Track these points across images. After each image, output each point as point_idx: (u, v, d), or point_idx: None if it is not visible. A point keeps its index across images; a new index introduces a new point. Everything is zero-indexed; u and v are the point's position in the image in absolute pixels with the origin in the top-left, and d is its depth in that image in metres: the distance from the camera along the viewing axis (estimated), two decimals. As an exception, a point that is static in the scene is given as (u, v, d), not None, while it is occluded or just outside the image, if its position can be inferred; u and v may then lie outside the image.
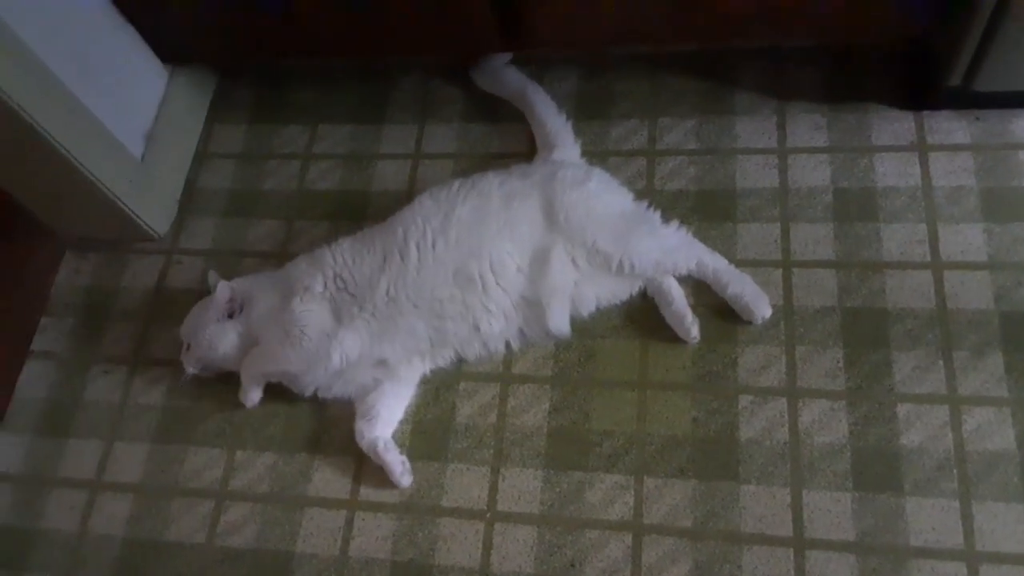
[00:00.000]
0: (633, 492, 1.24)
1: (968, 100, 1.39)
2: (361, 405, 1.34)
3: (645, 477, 1.25)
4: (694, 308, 1.33)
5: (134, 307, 1.55)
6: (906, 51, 1.46)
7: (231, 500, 1.35)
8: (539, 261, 1.31)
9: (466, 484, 1.29)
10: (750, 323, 1.32)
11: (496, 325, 1.32)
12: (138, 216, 1.55)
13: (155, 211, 1.59)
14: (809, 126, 1.47)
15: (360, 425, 1.32)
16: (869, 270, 1.33)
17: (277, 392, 1.38)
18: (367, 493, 1.31)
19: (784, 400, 1.26)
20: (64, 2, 1.40)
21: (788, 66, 1.53)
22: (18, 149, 1.37)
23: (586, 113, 1.55)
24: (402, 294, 1.30)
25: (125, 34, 1.54)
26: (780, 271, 1.36)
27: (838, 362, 1.28)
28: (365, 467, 1.32)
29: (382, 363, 1.32)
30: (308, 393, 1.35)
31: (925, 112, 1.43)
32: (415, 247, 1.31)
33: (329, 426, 1.37)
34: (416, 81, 1.68)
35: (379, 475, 1.30)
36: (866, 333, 1.29)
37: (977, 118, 1.41)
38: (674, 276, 1.35)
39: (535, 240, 1.32)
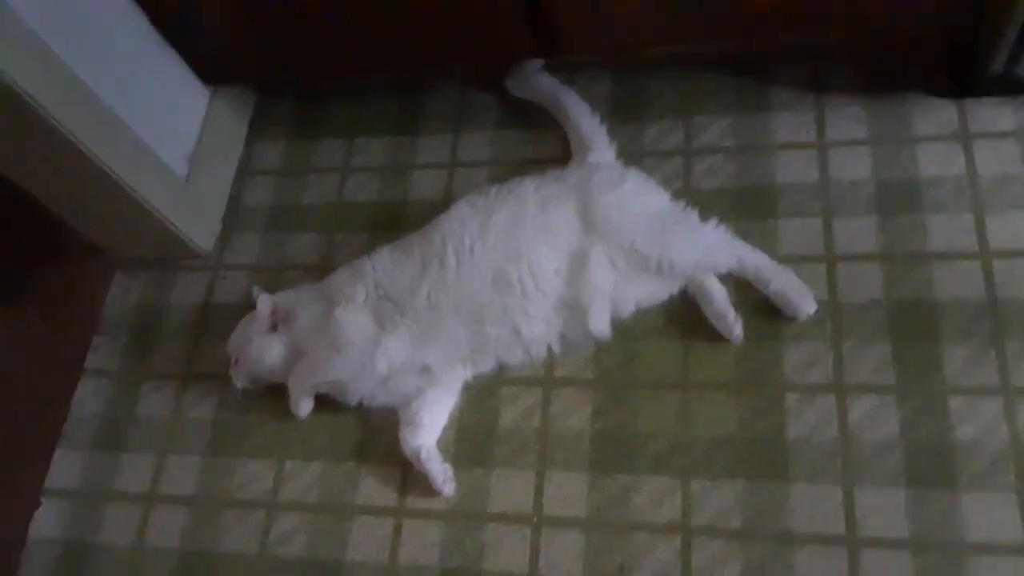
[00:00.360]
0: (680, 494, 1.23)
1: (1012, 86, 1.36)
2: (405, 413, 1.35)
3: (692, 479, 1.24)
4: (736, 306, 1.32)
5: (183, 323, 1.58)
6: (945, 38, 1.44)
7: (282, 510, 1.36)
8: (577, 264, 1.31)
9: (511, 489, 1.29)
10: (794, 320, 1.30)
11: (536, 329, 1.33)
12: (184, 234, 1.58)
13: (200, 229, 1.62)
14: (848, 119, 1.45)
15: (404, 433, 1.33)
16: (915, 262, 1.31)
17: (323, 402, 1.40)
18: (414, 500, 1.32)
19: (832, 397, 1.24)
20: (108, 29, 1.44)
21: (823, 60, 1.51)
22: (70, 174, 1.41)
23: (620, 116, 1.54)
24: (442, 299, 1.31)
25: (167, 58, 1.58)
26: (824, 266, 1.34)
27: (887, 356, 1.25)
28: (411, 475, 1.33)
29: (425, 370, 1.33)
30: (354, 402, 1.37)
31: (968, 100, 1.40)
32: (453, 253, 1.32)
33: (375, 435, 1.38)
34: (450, 91, 1.69)
35: (425, 482, 1.30)
36: (914, 326, 1.26)
37: (1023, 104, 1.37)
38: (715, 274, 1.34)
39: (572, 243, 1.32)
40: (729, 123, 1.50)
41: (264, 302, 1.39)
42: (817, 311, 1.29)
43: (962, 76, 1.40)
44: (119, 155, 1.42)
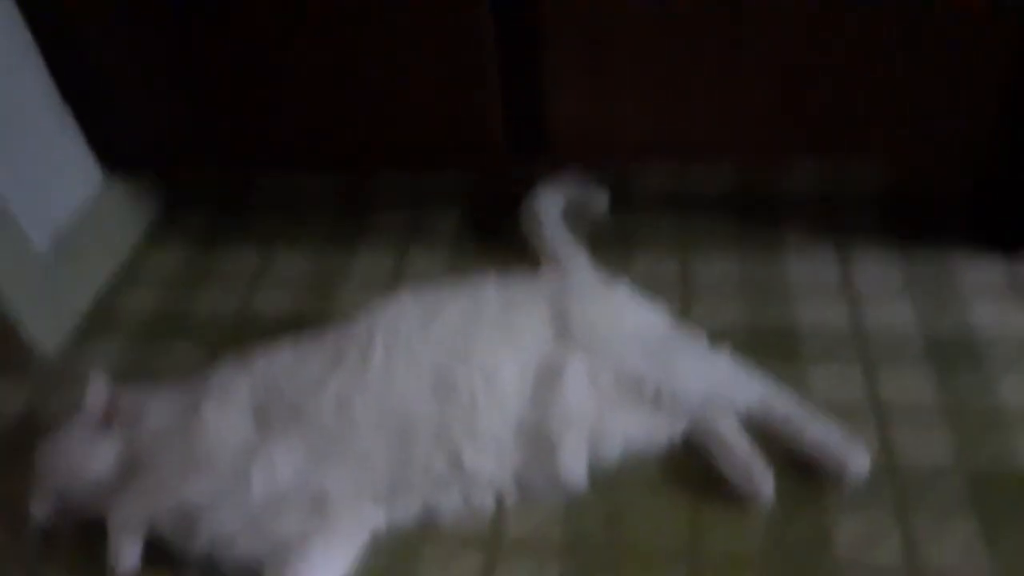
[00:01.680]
0: None
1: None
2: (276, 572, 0.89)
3: None
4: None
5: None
6: (987, 183, 1.26)
7: None
8: (547, 380, 0.97)
9: None
10: (838, 482, 0.94)
11: (485, 466, 0.94)
12: (22, 323, 1.19)
13: (46, 323, 1.23)
14: (879, 267, 1.22)
15: None
16: (988, 425, 0.99)
17: (155, 555, 0.93)
18: None
19: (908, 586, 0.85)
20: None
21: (844, 207, 1.32)
22: None
23: (603, 249, 1.25)
24: (357, 404, 0.93)
25: (59, 120, 1.29)
26: (872, 422, 1.01)
27: (972, 534, 0.89)
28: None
29: (319, 502, 0.90)
30: (201, 549, 0.91)
31: (1019, 252, 1.19)
32: (382, 344, 0.97)
33: (223, 606, 0.90)
34: (401, 210, 1.43)
35: None
36: (1002, 500, 0.92)
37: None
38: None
39: (542, 354, 0.99)
40: (734, 263, 1.26)
41: (97, 388, 0.98)
42: (871, 474, 0.94)
43: (1010, 227, 1.20)
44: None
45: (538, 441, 0.95)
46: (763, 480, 0.93)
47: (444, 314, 1.01)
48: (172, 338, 1.25)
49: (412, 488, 0.93)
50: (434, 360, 0.96)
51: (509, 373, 0.96)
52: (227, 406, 0.94)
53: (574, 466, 0.95)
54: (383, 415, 0.93)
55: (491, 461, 0.94)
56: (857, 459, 0.94)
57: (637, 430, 0.98)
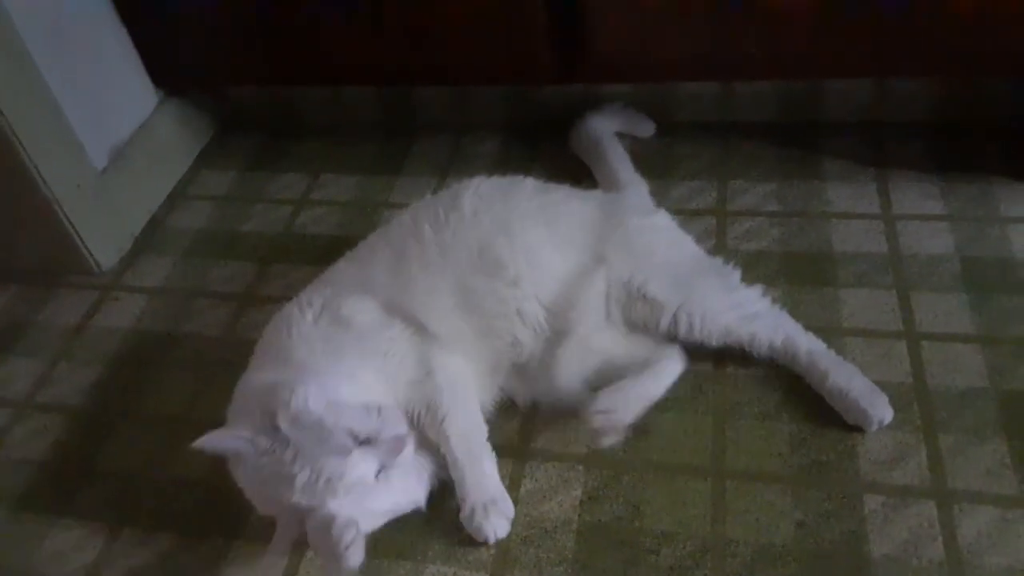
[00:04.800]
0: (709, 622, 0.81)
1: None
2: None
3: (727, 601, 0.82)
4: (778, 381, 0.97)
5: (44, 344, 1.19)
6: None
7: (98, 596, 0.90)
8: (574, 282, 0.98)
9: (453, 595, 0.86)
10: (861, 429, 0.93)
11: (533, 347, 0.97)
12: (82, 239, 1.25)
13: (104, 240, 1.29)
14: (919, 194, 1.20)
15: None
16: (1022, 350, 0.98)
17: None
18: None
19: (932, 504, 0.86)
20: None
21: (885, 139, 1.29)
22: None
23: (644, 174, 1.25)
24: (435, 277, 0.96)
25: (119, 40, 1.34)
26: (904, 343, 1.01)
27: (1003, 457, 0.89)
28: (304, 561, 0.89)
29: None
30: None
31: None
32: (427, 226, 1.00)
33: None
34: (443, 139, 1.44)
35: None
36: (1037, 424, 0.91)
37: None
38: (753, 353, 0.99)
39: (575, 249, 1.00)
40: (773, 188, 1.24)
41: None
42: (903, 397, 0.94)
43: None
44: (25, 110, 1.13)
45: (551, 340, 0.97)
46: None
47: (477, 190, 1.03)
48: (220, 256, 1.29)
49: (499, 362, 0.97)
50: (476, 232, 0.98)
51: (547, 255, 0.98)
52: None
53: (568, 375, 0.97)
54: (453, 288, 0.95)
55: (534, 344, 0.97)
56: (880, 409, 0.92)
57: (649, 354, 0.99)
